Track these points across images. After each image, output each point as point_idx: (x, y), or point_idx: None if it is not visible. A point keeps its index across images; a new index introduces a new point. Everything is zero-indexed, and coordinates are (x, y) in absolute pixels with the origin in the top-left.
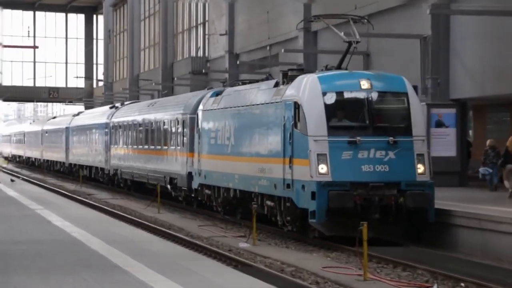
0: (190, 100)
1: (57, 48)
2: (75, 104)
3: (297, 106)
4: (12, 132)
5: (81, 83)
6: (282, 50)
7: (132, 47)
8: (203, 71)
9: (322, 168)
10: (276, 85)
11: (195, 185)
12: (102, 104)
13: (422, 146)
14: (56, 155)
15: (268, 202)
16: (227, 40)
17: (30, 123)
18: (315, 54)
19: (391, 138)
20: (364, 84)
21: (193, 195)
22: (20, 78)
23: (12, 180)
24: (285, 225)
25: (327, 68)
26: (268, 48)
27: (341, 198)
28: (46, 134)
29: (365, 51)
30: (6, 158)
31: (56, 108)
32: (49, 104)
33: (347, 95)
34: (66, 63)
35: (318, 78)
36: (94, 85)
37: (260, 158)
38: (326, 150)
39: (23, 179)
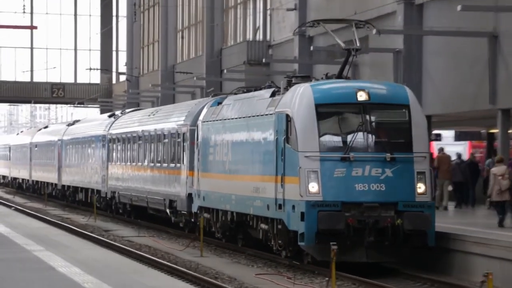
0: (192, 109)
1: (63, 29)
2: (87, 107)
3: (289, 119)
4: None
5: (95, 78)
6: (373, 31)
7: (166, 28)
8: (263, 60)
9: (313, 187)
10: (273, 94)
11: (194, 208)
12: (125, 106)
13: (423, 164)
14: (47, 174)
15: (262, 225)
16: (297, 18)
17: (18, 134)
18: (419, 37)
19: (388, 154)
20: (362, 95)
21: (193, 220)
22: (12, 70)
23: None
24: (278, 251)
25: (327, 77)
26: (353, 28)
27: (331, 219)
28: (36, 148)
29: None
30: None
31: (62, 112)
32: (52, 106)
33: (342, 107)
34: (75, 50)
35: (311, 87)
36: (114, 80)
37: (254, 176)
38: (318, 167)
39: (16, 209)
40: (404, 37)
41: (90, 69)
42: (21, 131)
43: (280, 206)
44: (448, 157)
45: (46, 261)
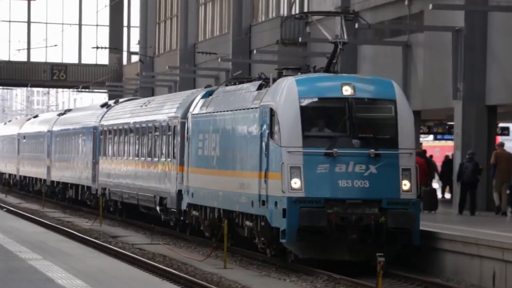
0: (184, 101)
1: (65, 0)
2: (92, 92)
3: (272, 113)
4: None
5: (103, 58)
6: (430, 6)
7: (186, 0)
8: (299, 39)
9: (295, 183)
10: (260, 87)
11: (184, 205)
12: (137, 92)
13: (409, 160)
14: (35, 169)
15: (247, 222)
16: None
17: (5, 124)
18: (483, 14)
19: (372, 150)
20: (347, 90)
21: (182, 218)
22: (5, 48)
23: None
24: (263, 249)
25: (315, 70)
26: (406, 2)
27: (312, 216)
28: (24, 140)
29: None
30: None
31: (63, 97)
32: (52, 90)
33: (326, 101)
34: (80, 25)
35: (295, 81)
36: (125, 61)
37: (240, 172)
38: (301, 163)
39: (8, 210)
40: (465, 14)
41: (97, 47)
42: (9, 121)
43: (263, 203)
44: (509, 154)
45: (44, 272)
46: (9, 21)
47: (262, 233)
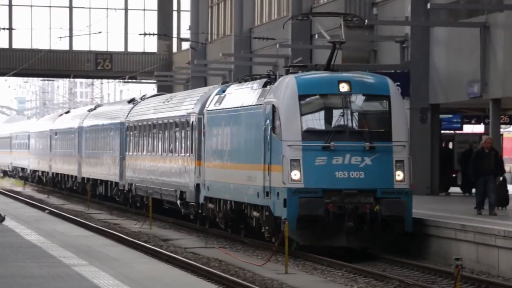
0: (202, 97)
1: None
2: (140, 82)
3: (274, 109)
4: (12, 133)
5: (151, 45)
6: None
7: None
8: (365, 22)
9: (295, 175)
10: (265, 85)
11: (201, 198)
12: (188, 82)
13: (402, 152)
14: (67, 166)
15: (254, 213)
16: None
17: (38, 120)
18: None
19: (367, 143)
20: (344, 87)
21: (200, 211)
22: (46, 36)
23: (1, 219)
24: (269, 238)
25: (316, 68)
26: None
27: (311, 205)
28: (56, 137)
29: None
30: (5, 173)
31: (109, 88)
32: (96, 81)
33: (324, 98)
34: (126, 10)
35: (295, 79)
36: (174, 49)
37: (248, 165)
38: (300, 156)
39: (51, 212)
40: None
41: (145, 34)
42: (37, 117)
43: (267, 194)
44: None
45: (90, 279)
46: (49, 7)
47: (267, 223)
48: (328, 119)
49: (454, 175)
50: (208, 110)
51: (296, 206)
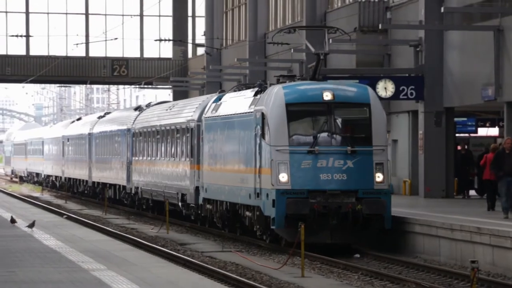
0: (201, 104)
1: None
2: (156, 88)
3: (264, 117)
4: (28, 139)
5: (166, 51)
6: None
7: None
8: (379, 26)
9: (283, 177)
10: (256, 94)
11: (200, 200)
12: (203, 87)
13: (381, 155)
14: (78, 171)
15: (247, 213)
16: None
17: (51, 126)
18: None
19: (349, 147)
20: (327, 95)
21: (199, 211)
22: (62, 43)
23: (12, 221)
24: (261, 236)
25: (302, 78)
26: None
27: (297, 205)
28: (68, 143)
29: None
30: (21, 178)
31: (125, 94)
32: (113, 87)
33: (309, 106)
34: (141, 16)
35: (283, 89)
36: (190, 54)
37: (241, 169)
38: (287, 160)
39: (68, 217)
40: None
41: (160, 40)
42: (54, 123)
43: (258, 195)
44: None
45: (108, 283)
46: (66, 14)
47: (258, 222)
48: (313, 125)
49: (471, 178)
50: (206, 117)
51: (283, 206)
